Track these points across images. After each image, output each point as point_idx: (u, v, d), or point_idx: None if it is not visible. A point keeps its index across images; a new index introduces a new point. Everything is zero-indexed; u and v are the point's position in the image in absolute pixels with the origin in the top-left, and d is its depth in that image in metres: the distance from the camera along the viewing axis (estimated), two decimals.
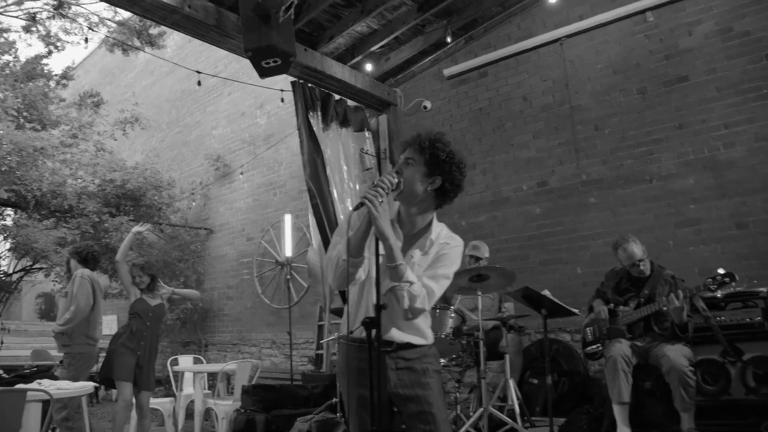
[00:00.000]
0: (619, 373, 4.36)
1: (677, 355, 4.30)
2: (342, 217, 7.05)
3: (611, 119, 6.39)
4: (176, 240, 10.36)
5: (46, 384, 4.50)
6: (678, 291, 4.36)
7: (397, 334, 2.48)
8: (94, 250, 5.64)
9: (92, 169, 9.10)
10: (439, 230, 2.55)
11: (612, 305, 4.84)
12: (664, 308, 4.42)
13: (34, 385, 4.41)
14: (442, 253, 2.48)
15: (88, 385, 4.66)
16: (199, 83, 6.82)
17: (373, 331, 2.36)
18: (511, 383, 5.13)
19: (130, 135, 12.75)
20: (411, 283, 2.32)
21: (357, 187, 7.42)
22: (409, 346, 2.49)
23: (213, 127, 11.26)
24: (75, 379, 5.03)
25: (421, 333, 2.52)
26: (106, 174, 8.98)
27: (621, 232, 5.87)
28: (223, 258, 10.44)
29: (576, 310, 4.66)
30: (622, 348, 4.47)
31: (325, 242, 6.74)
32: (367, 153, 7.76)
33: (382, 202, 2.33)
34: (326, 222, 6.73)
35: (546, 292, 4.50)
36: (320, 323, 8.06)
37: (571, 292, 6.12)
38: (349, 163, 7.45)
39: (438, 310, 4.92)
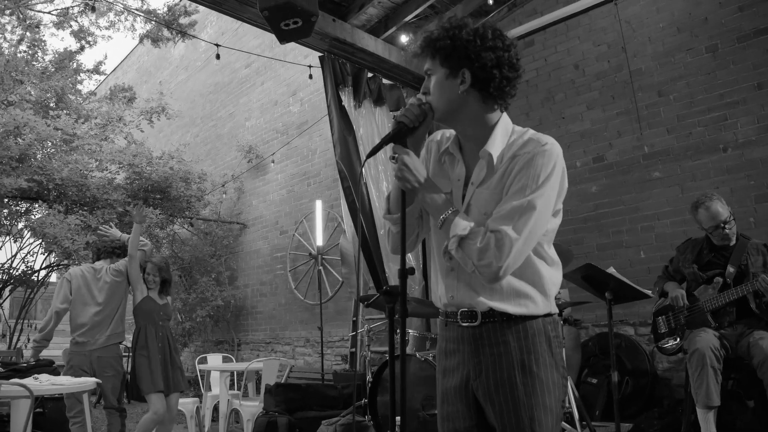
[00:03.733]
0: (707, 371, 3.50)
1: None
2: (376, 201, 6.39)
3: (677, 83, 5.56)
4: (209, 236, 9.84)
5: (43, 379, 4.02)
6: None
7: (479, 301, 1.73)
8: (101, 241, 5.03)
9: (118, 157, 8.58)
10: (509, 136, 1.77)
11: (684, 288, 4.01)
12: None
13: (29, 380, 3.91)
14: (515, 167, 1.68)
15: (87, 381, 4.08)
16: (218, 56, 6.23)
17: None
18: (569, 383, 4.33)
19: (164, 131, 12.39)
20: (460, 237, 1.66)
21: (393, 168, 6.74)
22: (501, 316, 1.72)
23: (246, 118, 10.77)
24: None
25: (520, 297, 1.72)
26: (127, 159, 8.47)
27: None
28: (257, 253, 9.91)
29: (648, 292, 3.85)
30: (709, 339, 3.62)
31: (357, 227, 6.08)
32: None
33: (398, 157, 1.74)
34: (359, 206, 6.07)
35: (612, 270, 3.70)
36: (354, 318, 7.40)
37: (634, 278, 5.24)
38: None
39: None
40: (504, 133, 1.76)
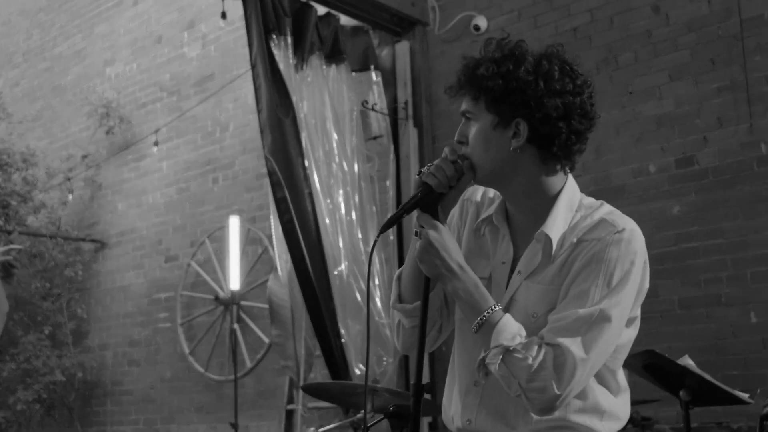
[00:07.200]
0: None
1: None
2: (327, 220, 6.82)
3: None
4: (40, 261, 10.13)
5: None
6: None
7: None
8: None
9: None
10: (573, 211, 2.21)
11: None
12: None
13: None
14: (578, 258, 2.10)
15: None
16: None
17: None
18: None
19: None
20: (506, 348, 2.03)
21: (356, 167, 7.19)
22: None
23: (107, 61, 11.06)
24: None
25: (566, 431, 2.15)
26: None
27: None
28: (125, 292, 10.20)
29: (746, 396, 4.26)
30: None
31: (297, 262, 6.52)
32: (373, 109, 7.58)
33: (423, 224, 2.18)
34: (299, 228, 6.49)
35: (688, 362, 4.19)
36: (290, 407, 7.76)
37: (740, 358, 5.81)
38: (342, 127, 7.20)
39: None
40: (568, 207, 2.19)
